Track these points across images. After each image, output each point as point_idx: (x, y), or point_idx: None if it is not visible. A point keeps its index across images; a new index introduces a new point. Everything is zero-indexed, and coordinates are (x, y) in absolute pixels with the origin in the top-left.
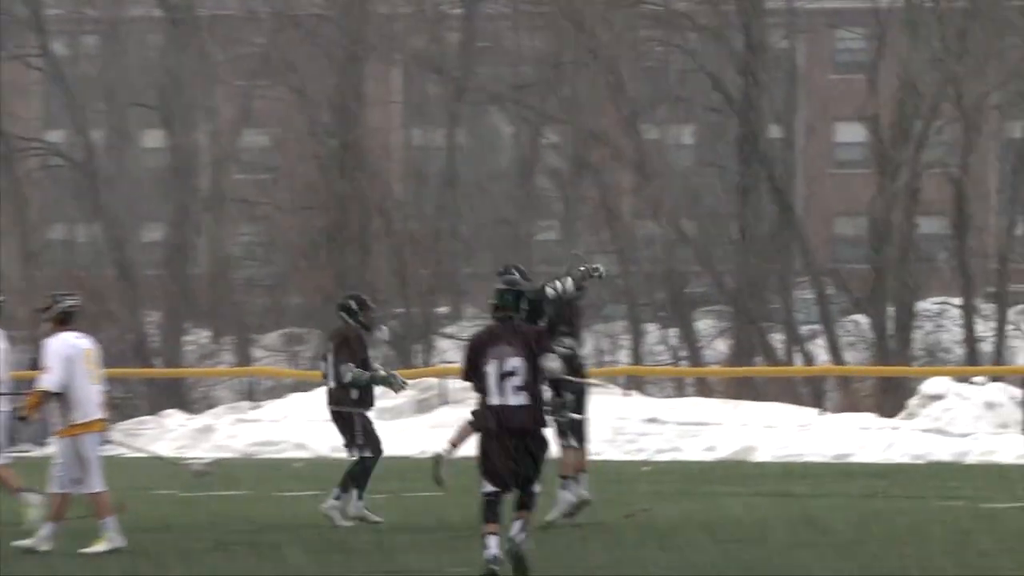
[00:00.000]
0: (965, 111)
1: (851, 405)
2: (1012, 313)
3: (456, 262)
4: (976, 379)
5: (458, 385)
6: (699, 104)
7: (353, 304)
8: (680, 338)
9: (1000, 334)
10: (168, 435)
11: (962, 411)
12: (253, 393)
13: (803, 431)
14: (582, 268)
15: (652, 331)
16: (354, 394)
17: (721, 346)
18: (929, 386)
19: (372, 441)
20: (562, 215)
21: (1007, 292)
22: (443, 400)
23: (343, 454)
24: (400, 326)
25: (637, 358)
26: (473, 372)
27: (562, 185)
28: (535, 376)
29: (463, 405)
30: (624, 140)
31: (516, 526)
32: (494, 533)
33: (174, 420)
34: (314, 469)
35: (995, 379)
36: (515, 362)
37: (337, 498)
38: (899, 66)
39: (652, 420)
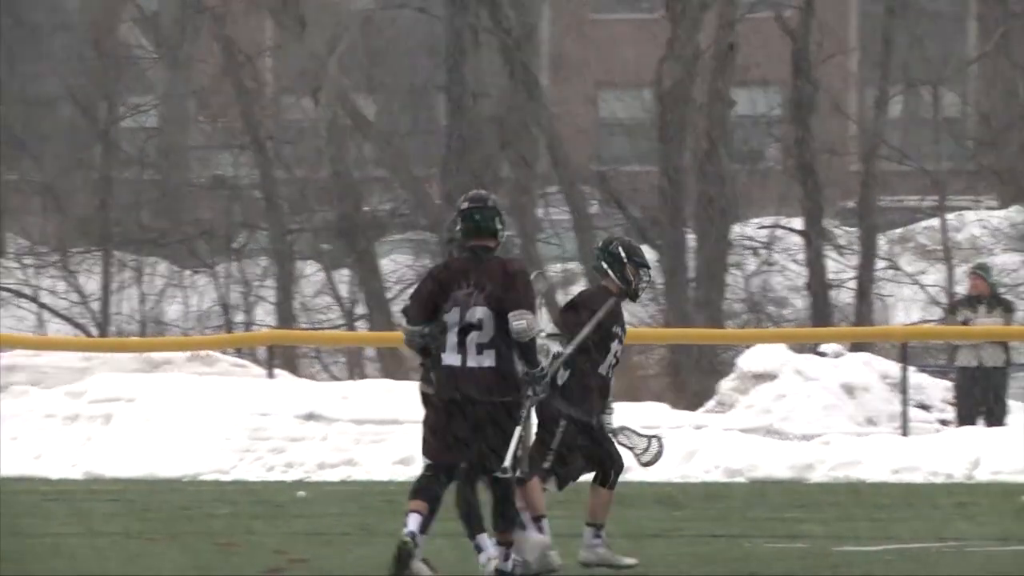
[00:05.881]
0: None
1: (628, 390)
2: (884, 242)
3: None
4: (828, 348)
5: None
6: None
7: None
8: (356, 284)
9: (865, 276)
10: None
11: (806, 399)
12: None
13: None
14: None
15: (311, 273)
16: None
17: None
18: (752, 359)
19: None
20: (163, 89)
21: (876, 208)
22: None
23: None
24: None
25: (286, 317)
26: (426, 315)
27: (160, 41)
28: (506, 330)
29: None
30: None
31: (500, 552)
32: (418, 512)
33: None
34: None
35: (857, 347)
36: (480, 312)
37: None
38: None
39: (312, 417)
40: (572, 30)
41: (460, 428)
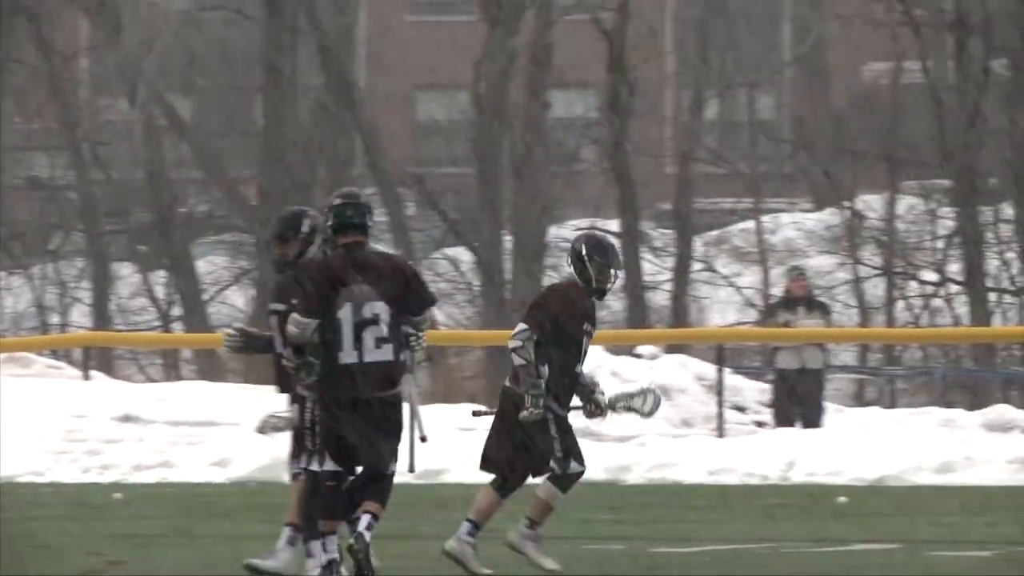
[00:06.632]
0: None
1: (444, 392)
2: (700, 244)
3: None
4: (644, 350)
5: None
6: None
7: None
8: (172, 286)
9: (680, 278)
10: None
11: None
12: None
13: None
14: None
15: (127, 274)
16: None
17: (239, 299)
18: None
19: None
20: None
21: (691, 210)
22: None
23: None
24: None
25: (101, 319)
26: (317, 310)
27: None
28: (399, 323)
29: None
30: None
31: (364, 520)
32: (335, 533)
33: None
34: None
35: (673, 349)
36: (378, 306)
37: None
38: None
39: (128, 419)
40: (388, 32)
41: (367, 426)
